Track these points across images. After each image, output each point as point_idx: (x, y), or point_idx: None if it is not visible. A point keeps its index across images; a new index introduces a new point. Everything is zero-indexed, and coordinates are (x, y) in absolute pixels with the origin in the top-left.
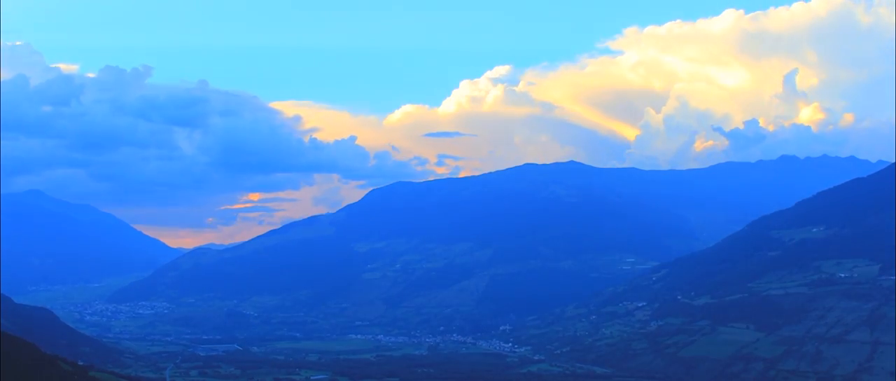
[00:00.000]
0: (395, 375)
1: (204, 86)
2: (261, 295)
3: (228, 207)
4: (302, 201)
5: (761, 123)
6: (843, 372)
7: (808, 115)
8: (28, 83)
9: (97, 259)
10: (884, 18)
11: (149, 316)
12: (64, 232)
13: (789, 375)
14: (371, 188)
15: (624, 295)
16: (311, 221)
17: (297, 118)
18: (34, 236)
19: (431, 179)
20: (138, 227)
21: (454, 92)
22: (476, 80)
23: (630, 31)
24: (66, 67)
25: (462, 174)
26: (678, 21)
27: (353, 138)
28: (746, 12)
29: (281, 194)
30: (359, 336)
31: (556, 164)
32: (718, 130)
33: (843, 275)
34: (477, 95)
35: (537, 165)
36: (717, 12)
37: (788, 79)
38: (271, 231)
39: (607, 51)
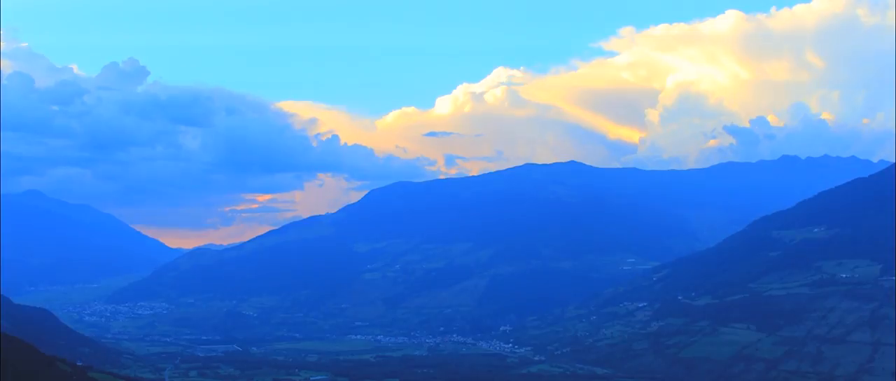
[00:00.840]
0: (394, 376)
1: (207, 86)
2: (260, 295)
3: (234, 207)
4: (309, 202)
5: (762, 124)
6: (844, 373)
7: (809, 115)
8: (32, 83)
9: (96, 260)
10: (885, 19)
11: (148, 317)
12: (63, 232)
13: (790, 375)
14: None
15: (624, 296)
16: (311, 221)
17: (303, 119)
18: (33, 237)
19: (442, 177)
20: (137, 227)
21: (454, 92)
22: (479, 80)
23: (628, 32)
24: (70, 67)
25: (472, 173)
26: (676, 23)
27: (359, 139)
28: (745, 13)
29: (286, 195)
30: (359, 337)
31: (557, 164)
32: (721, 130)
33: (844, 275)
34: (479, 96)
35: (538, 165)
36: (715, 14)
37: (789, 79)
38: (271, 231)
39: (606, 52)
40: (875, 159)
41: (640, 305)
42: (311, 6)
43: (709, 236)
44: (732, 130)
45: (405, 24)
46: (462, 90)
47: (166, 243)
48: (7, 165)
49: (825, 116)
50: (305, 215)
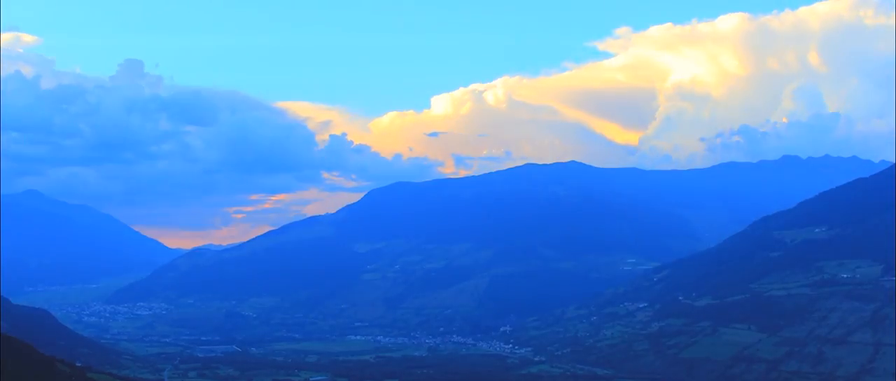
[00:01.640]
0: (394, 376)
1: (211, 87)
2: (260, 296)
3: (239, 208)
4: (315, 203)
5: (763, 124)
6: (845, 373)
7: (810, 115)
8: (33, 83)
9: (95, 260)
10: (889, 20)
11: (147, 317)
12: (62, 233)
13: (791, 376)
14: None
15: (625, 296)
16: (311, 221)
17: (309, 120)
18: (32, 237)
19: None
20: (136, 227)
21: (454, 92)
22: (481, 81)
23: (627, 32)
24: (73, 68)
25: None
26: (676, 23)
27: (365, 139)
28: (746, 14)
29: (292, 196)
30: (358, 337)
31: (557, 164)
32: (721, 130)
33: (845, 276)
34: (479, 96)
35: (538, 165)
36: (715, 15)
37: (791, 79)
38: (270, 232)
39: (607, 52)
40: (876, 159)
41: (641, 305)
42: (311, 7)
43: (709, 237)
44: (733, 130)
45: (405, 23)
46: (462, 90)
47: (165, 244)
48: (8, 166)
49: (826, 116)
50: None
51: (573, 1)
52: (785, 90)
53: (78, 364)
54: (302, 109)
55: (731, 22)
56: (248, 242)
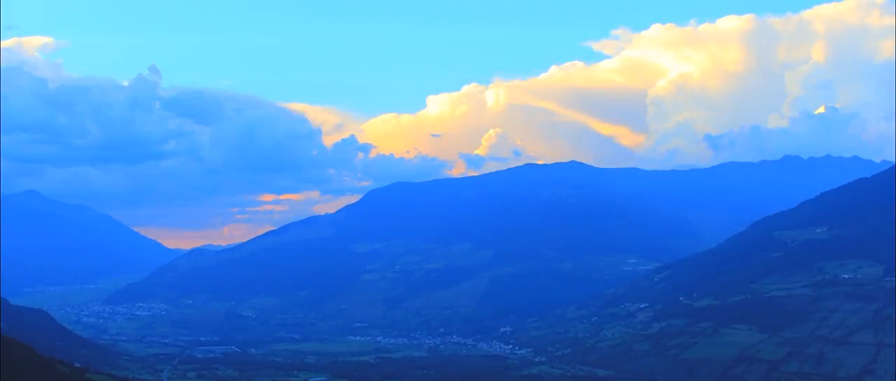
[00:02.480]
0: (394, 377)
1: (217, 87)
2: (259, 296)
3: (248, 209)
4: (324, 204)
5: (764, 124)
6: (846, 374)
7: (811, 115)
8: (33, 84)
9: (94, 260)
10: (889, 20)
11: (146, 318)
12: (61, 233)
13: (792, 377)
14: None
15: (625, 296)
16: (310, 221)
17: (316, 121)
18: (31, 238)
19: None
20: (135, 228)
21: (457, 93)
22: (482, 81)
23: (628, 32)
24: (77, 69)
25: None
26: (678, 24)
27: (369, 139)
28: (746, 14)
29: (300, 196)
30: (358, 338)
31: (557, 164)
32: (722, 130)
33: (846, 276)
34: (481, 96)
35: (538, 165)
36: (715, 16)
37: (792, 80)
38: (270, 232)
39: (603, 53)
40: (877, 159)
41: (642, 306)
42: (313, 7)
43: (710, 237)
44: (734, 131)
45: (407, 23)
46: (464, 89)
47: (165, 244)
48: (8, 166)
49: (827, 116)
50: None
51: (573, 1)
52: (786, 90)
53: (76, 365)
54: (307, 110)
55: (732, 23)
56: (248, 242)
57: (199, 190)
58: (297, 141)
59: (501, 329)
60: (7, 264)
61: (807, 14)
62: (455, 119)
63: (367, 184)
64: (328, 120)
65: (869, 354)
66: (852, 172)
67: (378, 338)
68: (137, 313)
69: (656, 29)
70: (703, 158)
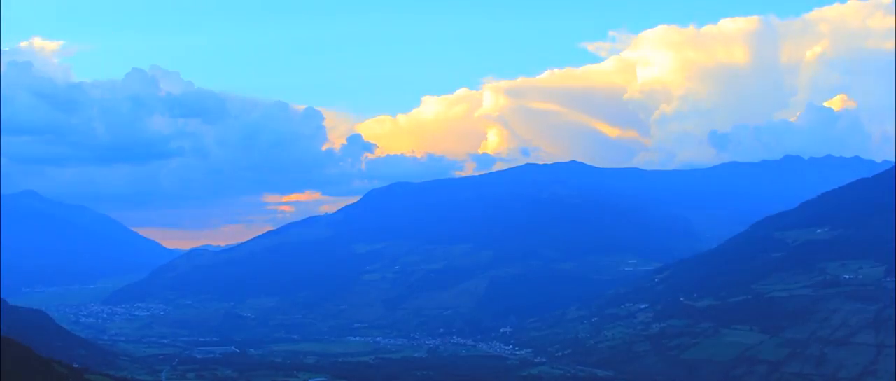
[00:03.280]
0: (394, 377)
1: (219, 88)
2: (258, 297)
3: (258, 209)
4: (331, 206)
5: (765, 124)
6: (847, 375)
7: (812, 115)
8: (34, 84)
9: (92, 261)
10: (891, 21)
11: (145, 318)
12: (59, 233)
13: (793, 378)
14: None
15: (626, 297)
16: (310, 221)
17: (322, 121)
18: (29, 238)
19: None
20: (135, 228)
21: (452, 95)
22: (482, 80)
23: (630, 33)
24: (80, 69)
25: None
26: (673, 25)
27: (373, 139)
28: (754, 16)
29: (307, 196)
30: (357, 338)
31: (558, 164)
32: (723, 130)
33: (847, 277)
34: (480, 96)
35: (538, 165)
36: (716, 18)
37: (793, 80)
38: (269, 232)
39: (608, 52)
40: (879, 159)
41: (642, 306)
42: (316, 8)
43: (711, 237)
44: (735, 131)
45: (409, 22)
46: (461, 91)
47: (163, 244)
48: (7, 166)
49: (828, 116)
50: None
51: (572, 2)
52: (787, 91)
53: (75, 365)
54: (310, 110)
55: (733, 24)
56: (247, 242)
57: (201, 191)
58: (301, 141)
59: (501, 330)
60: (6, 264)
61: (811, 15)
62: (455, 119)
63: (377, 184)
64: (329, 120)
65: (870, 355)
66: (853, 172)
67: (378, 339)
68: (136, 313)
69: (656, 30)
70: (703, 158)
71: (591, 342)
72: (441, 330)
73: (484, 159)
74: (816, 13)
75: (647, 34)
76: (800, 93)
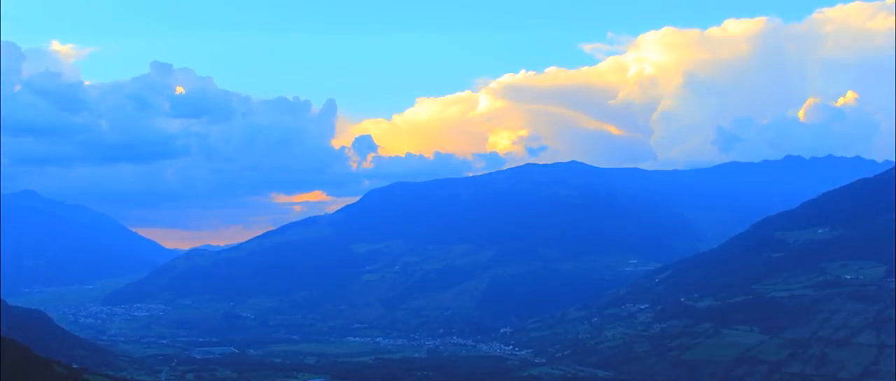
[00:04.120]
0: (393, 378)
1: (223, 88)
2: (258, 297)
3: (262, 210)
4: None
5: (766, 124)
6: (848, 375)
7: (813, 115)
8: (39, 85)
9: (92, 260)
10: (888, 20)
11: (144, 318)
12: (58, 233)
13: (794, 378)
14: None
15: (626, 297)
16: (309, 222)
17: (328, 121)
18: (28, 238)
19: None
20: (134, 228)
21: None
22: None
23: (628, 35)
24: (81, 70)
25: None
26: (674, 27)
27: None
28: (756, 18)
29: (316, 196)
30: (357, 339)
31: (558, 164)
32: (724, 130)
33: (848, 277)
34: (478, 96)
35: (538, 165)
36: (719, 20)
37: (793, 80)
38: (269, 232)
39: (609, 53)
40: (880, 159)
41: (642, 306)
42: (319, 8)
43: (712, 237)
44: (735, 131)
45: (411, 21)
46: (459, 92)
47: (163, 244)
48: (7, 166)
49: (829, 116)
50: None
51: (572, 3)
52: (788, 91)
53: (74, 366)
54: (312, 111)
55: (734, 26)
56: (247, 242)
57: (206, 191)
58: (306, 141)
59: (501, 330)
60: (5, 264)
61: (814, 16)
62: (457, 119)
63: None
64: (340, 121)
65: (871, 355)
66: (854, 172)
67: (377, 339)
68: (136, 313)
69: (657, 32)
70: (704, 158)
71: (591, 342)
72: (441, 330)
73: (492, 158)
74: (819, 14)
75: (648, 35)
76: (801, 94)
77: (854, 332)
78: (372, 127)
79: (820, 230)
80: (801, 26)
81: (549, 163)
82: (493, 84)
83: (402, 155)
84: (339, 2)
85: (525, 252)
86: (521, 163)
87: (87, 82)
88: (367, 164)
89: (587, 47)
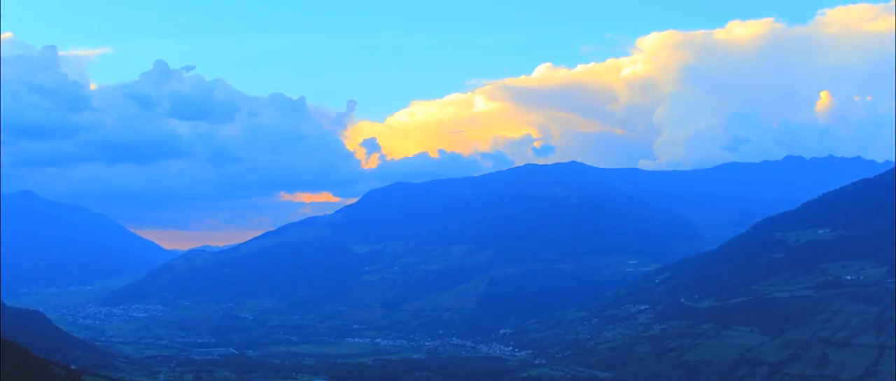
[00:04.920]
0: (393, 379)
1: (225, 88)
2: (257, 298)
3: (267, 210)
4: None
5: (767, 124)
6: (849, 376)
7: (814, 115)
8: (40, 85)
9: (90, 261)
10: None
11: (143, 319)
12: (56, 234)
13: (795, 379)
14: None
15: (626, 298)
16: (308, 222)
17: (332, 121)
18: (26, 238)
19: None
20: (132, 228)
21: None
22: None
23: (628, 36)
24: (82, 71)
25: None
26: (675, 29)
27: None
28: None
29: (320, 197)
30: (356, 340)
31: (558, 164)
32: (724, 130)
33: (849, 277)
34: (475, 96)
35: (538, 165)
36: (722, 23)
37: (794, 81)
38: (268, 233)
39: (609, 53)
40: (881, 159)
41: (642, 307)
42: (321, 8)
43: (712, 238)
44: (736, 131)
45: (409, 22)
46: (454, 94)
47: (161, 245)
48: (9, 167)
49: (830, 116)
50: None
51: (573, 4)
52: (788, 91)
53: (73, 367)
54: (315, 111)
55: (737, 28)
56: (246, 243)
57: (205, 192)
58: (311, 142)
59: (501, 331)
60: (3, 265)
61: (820, 18)
62: (457, 119)
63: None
64: (333, 120)
65: (871, 356)
66: (855, 172)
67: (377, 340)
68: (134, 314)
69: (658, 33)
70: (704, 158)
71: (591, 343)
72: (440, 331)
73: (498, 158)
74: (822, 16)
75: (649, 37)
76: (802, 94)
77: (855, 333)
78: (375, 128)
79: (820, 231)
80: (804, 28)
81: (548, 163)
82: (494, 84)
83: (409, 155)
84: (339, 2)
85: (525, 253)
86: (529, 163)
87: (92, 84)
88: (374, 164)
89: (590, 48)
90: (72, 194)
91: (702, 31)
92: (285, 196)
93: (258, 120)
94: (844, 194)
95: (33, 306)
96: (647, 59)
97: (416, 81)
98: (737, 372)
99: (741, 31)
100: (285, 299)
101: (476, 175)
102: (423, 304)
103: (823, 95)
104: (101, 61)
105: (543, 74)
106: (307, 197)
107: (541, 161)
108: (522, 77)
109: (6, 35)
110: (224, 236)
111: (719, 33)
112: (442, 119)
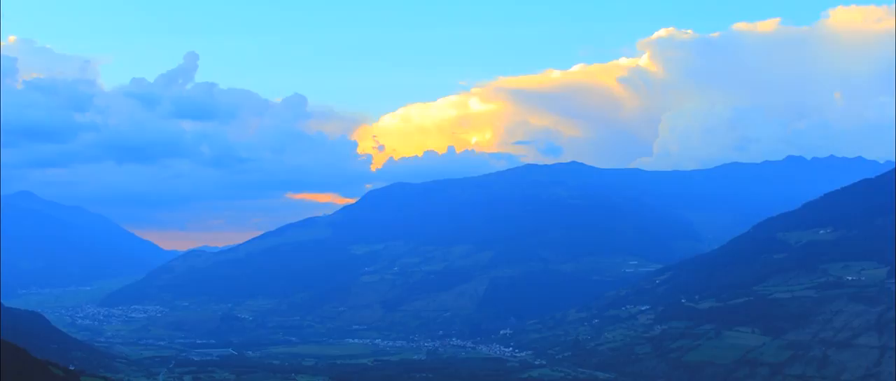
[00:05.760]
0: (393, 380)
1: (226, 88)
2: (256, 298)
3: (270, 210)
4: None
5: (767, 125)
6: (850, 377)
7: (814, 115)
8: (40, 85)
9: (89, 262)
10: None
11: (142, 320)
12: (55, 235)
13: (795, 380)
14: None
15: (627, 298)
16: (308, 223)
17: (335, 121)
18: (25, 239)
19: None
20: (131, 229)
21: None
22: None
23: (629, 37)
24: (82, 71)
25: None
26: (675, 29)
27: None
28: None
29: (325, 197)
30: (356, 341)
31: (558, 164)
32: (723, 131)
33: (850, 278)
34: (472, 97)
35: (538, 165)
36: (725, 24)
37: (794, 81)
38: (267, 233)
39: (609, 54)
40: (882, 160)
41: (643, 308)
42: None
43: (712, 238)
44: (736, 131)
45: (409, 23)
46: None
47: (160, 245)
48: (8, 167)
49: (831, 116)
50: None
51: (573, 5)
52: (789, 92)
53: (72, 368)
54: (317, 110)
55: (735, 29)
56: (245, 243)
57: (208, 192)
58: (315, 142)
59: (501, 332)
60: (2, 265)
61: (817, 19)
62: (459, 120)
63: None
64: (335, 120)
65: (873, 357)
66: (856, 172)
67: (376, 341)
68: (133, 315)
69: (658, 34)
70: (705, 159)
71: (591, 344)
72: (440, 332)
73: (498, 158)
74: (825, 17)
75: (652, 38)
76: (802, 94)
77: (856, 334)
78: (379, 128)
79: (821, 231)
80: (808, 29)
81: (549, 163)
82: (494, 84)
83: (411, 156)
84: (340, 2)
85: (525, 253)
86: (529, 163)
87: (96, 85)
88: (379, 165)
89: (590, 48)
90: (71, 195)
91: (703, 32)
92: (291, 196)
93: (262, 120)
94: (846, 195)
95: (32, 307)
96: (648, 59)
97: (416, 82)
98: (737, 373)
99: (742, 32)
100: (285, 299)
101: (476, 176)
102: (423, 304)
103: (827, 95)
104: (105, 62)
105: (545, 74)
106: (318, 197)
107: (541, 161)
108: (524, 77)
109: (10, 38)
110: (224, 237)
111: (719, 33)
112: (443, 119)
